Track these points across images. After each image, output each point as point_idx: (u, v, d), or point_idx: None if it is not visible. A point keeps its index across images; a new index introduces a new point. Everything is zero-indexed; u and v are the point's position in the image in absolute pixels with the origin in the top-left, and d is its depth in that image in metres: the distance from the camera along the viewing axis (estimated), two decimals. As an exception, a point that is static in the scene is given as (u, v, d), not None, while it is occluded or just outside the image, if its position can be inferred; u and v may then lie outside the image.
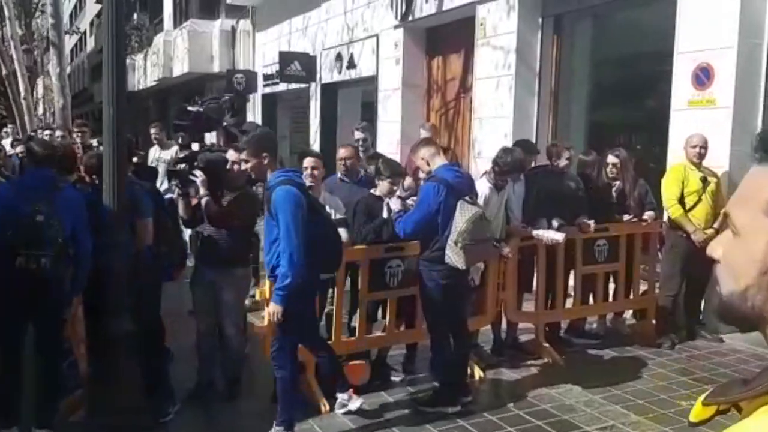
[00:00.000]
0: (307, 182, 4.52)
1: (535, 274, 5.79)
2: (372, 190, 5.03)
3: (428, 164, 4.49)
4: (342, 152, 5.62)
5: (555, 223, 5.57)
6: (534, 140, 7.70)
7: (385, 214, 4.85)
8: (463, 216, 4.28)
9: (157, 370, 4.51)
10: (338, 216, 4.84)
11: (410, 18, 9.80)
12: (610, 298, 6.23)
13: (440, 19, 9.55)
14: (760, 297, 0.86)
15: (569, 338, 6.11)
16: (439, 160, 4.52)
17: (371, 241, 4.86)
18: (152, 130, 8.71)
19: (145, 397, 4.33)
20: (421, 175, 4.90)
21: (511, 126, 8.07)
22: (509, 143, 6.34)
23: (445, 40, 9.90)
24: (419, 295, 4.72)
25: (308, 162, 4.82)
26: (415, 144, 4.80)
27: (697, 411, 0.93)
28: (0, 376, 4.02)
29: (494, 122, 8.33)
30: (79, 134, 8.34)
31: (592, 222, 5.66)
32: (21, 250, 3.85)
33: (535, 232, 5.48)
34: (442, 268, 4.39)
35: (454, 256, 4.32)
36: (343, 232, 4.73)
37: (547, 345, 5.65)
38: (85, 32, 40.56)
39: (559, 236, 5.45)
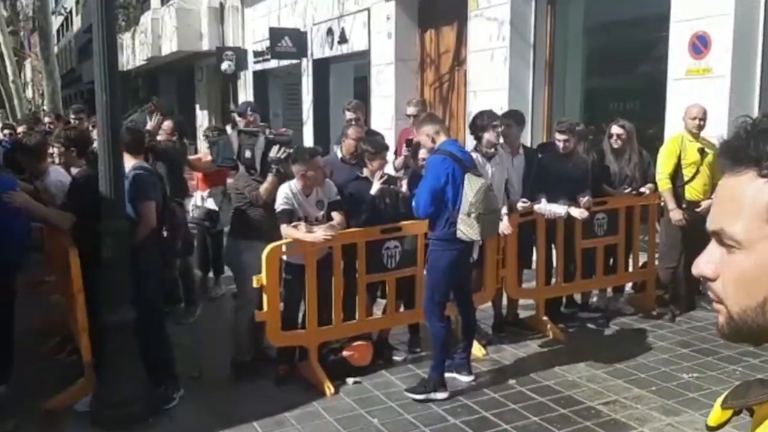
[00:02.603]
0: (303, 189, 4.62)
1: (534, 250, 5.77)
2: (360, 172, 5.01)
3: (433, 141, 4.47)
4: (352, 133, 5.49)
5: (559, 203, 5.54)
6: (530, 112, 7.66)
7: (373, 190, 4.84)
8: (472, 188, 4.29)
9: (159, 357, 4.50)
10: (331, 199, 4.79)
11: (402, -10, 9.67)
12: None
13: (432, -9, 9.43)
14: None
15: (570, 313, 6.12)
16: (443, 137, 4.50)
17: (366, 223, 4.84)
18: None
19: (148, 385, 4.34)
20: (423, 153, 4.85)
21: (507, 98, 8.01)
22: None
23: (438, 12, 9.78)
24: (426, 274, 4.66)
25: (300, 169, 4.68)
26: (419, 120, 4.73)
27: (716, 415, 0.91)
28: None
29: (489, 95, 8.25)
30: (77, 121, 8.22)
31: (587, 197, 5.61)
32: None
33: (536, 207, 5.46)
34: (455, 246, 4.38)
35: (467, 229, 4.30)
36: (336, 215, 4.72)
37: (548, 320, 5.66)
38: (71, 11, 39.98)
39: (561, 210, 5.42)
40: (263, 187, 4.80)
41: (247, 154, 5.03)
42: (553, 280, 5.92)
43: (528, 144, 6.97)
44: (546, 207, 5.46)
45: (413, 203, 4.52)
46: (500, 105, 7.96)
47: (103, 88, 4.02)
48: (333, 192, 4.82)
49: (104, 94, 4.03)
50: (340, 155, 5.52)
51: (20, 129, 8.39)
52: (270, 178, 4.78)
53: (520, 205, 5.44)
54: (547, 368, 4.93)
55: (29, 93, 26.64)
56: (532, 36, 8.07)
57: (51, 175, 5.20)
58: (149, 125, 6.47)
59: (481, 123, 4.96)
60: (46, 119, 10.12)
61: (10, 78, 21.17)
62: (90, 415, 4.25)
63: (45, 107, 20.21)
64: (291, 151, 4.80)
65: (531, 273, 5.87)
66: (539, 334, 5.61)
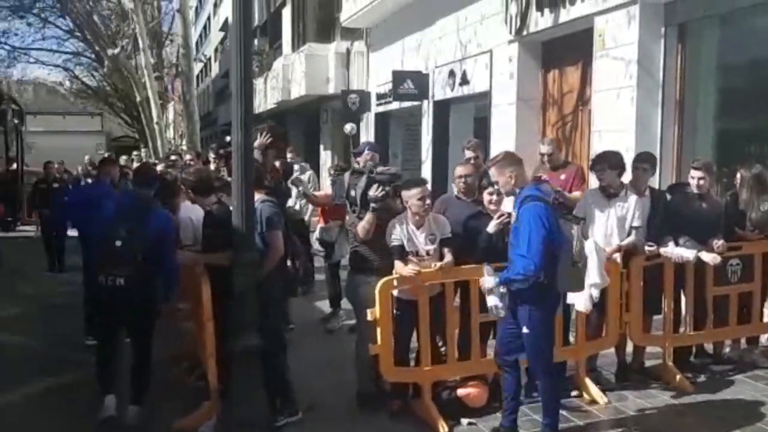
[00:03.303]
0: (422, 213, 4.69)
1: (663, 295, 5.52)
2: (483, 209, 5.02)
3: (514, 182, 4.30)
4: (459, 170, 5.59)
5: (681, 241, 5.31)
6: (658, 152, 7.39)
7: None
8: (572, 234, 4.18)
9: (279, 383, 4.66)
10: (443, 236, 4.82)
11: (525, 32, 9.68)
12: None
13: (556, 32, 9.37)
14: None
15: (700, 363, 5.78)
16: (526, 180, 4.41)
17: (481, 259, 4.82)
18: (288, 155, 9.03)
19: (269, 411, 4.49)
20: (502, 191, 4.69)
21: (634, 138, 7.77)
22: (631, 157, 6.12)
23: (562, 52, 9.70)
24: (531, 333, 4.28)
25: (411, 196, 4.76)
26: (500, 158, 4.48)
27: None
28: (101, 362, 4.95)
29: (615, 135, 8.04)
30: (216, 160, 8.70)
31: (721, 242, 5.34)
32: (102, 270, 4.72)
33: (663, 250, 5.25)
34: (552, 296, 4.23)
35: (571, 280, 4.16)
36: (447, 253, 4.76)
37: (675, 370, 5.38)
38: (210, 58, 42.84)
39: (690, 254, 5.18)
40: (360, 225, 4.92)
41: (352, 192, 5.25)
42: (682, 328, 5.63)
43: (656, 186, 6.72)
44: (674, 250, 5.24)
45: (520, 257, 4.08)
46: (626, 146, 7.74)
47: (238, 128, 4.32)
48: (446, 229, 4.85)
49: (240, 134, 4.31)
50: (455, 192, 5.60)
51: (159, 167, 9.03)
52: (367, 215, 4.89)
53: (646, 248, 5.25)
54: (672, 421, 4.67)
55: (170, 133, 28.66)
56: (661, 74, 7.82)
57: (181, 211, 5.60)
58: (257, 143, 6.84)
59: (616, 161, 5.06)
60: (187, 156, 10.86)
61: (154, 119, 22.90)
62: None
63: (183, 147, 21.64)
64: (389, 189, 4.89)
65: (660, 320, 5.61)
66: (666, 385, 5.33)
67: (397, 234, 4.74)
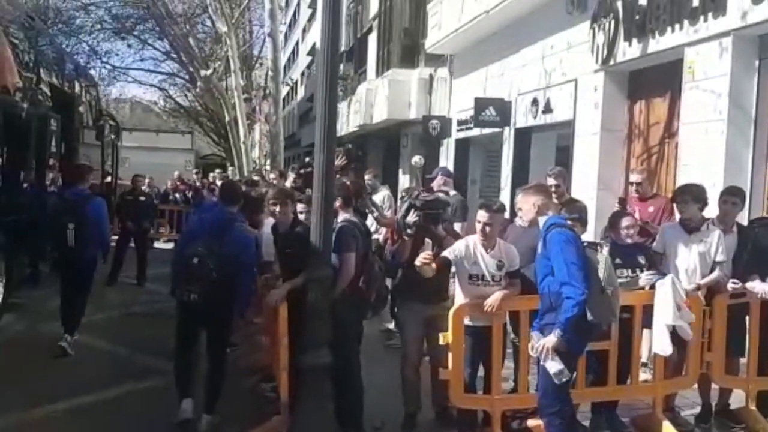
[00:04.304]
0: (481, 238, 4.68)
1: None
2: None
3: (537, 211, 4.29)
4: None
5: None
6: (748, 189, 7.12)
7: None
8: (597, 260, 4.11)
9: (351, 403, 4.71)
10: (512, 267, 4.80)
11: (612, 62, 9.55)
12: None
13: (644, 63, 9.20)
14: None
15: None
16: (552, 211, 4.37)
17: None
18: (366, 176, 9.18)
19: (338, 428, 4.54)
20: (519, 221, 4.81)
21: (722, 173, 7.51)
22: (717, 192, 5.93)
23: (649, 83, 9.51)
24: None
25: (481, 217, 4.78)
26: (531, 188, 4.53)
27: None
28: (179, 363, 5.25)
29: (702, 170, 7.80)
30: (298, 180, 8.94)
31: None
32: (179, 284, 5.03)
33: (748, 284, 5.03)
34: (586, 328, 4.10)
35: (600, 310, 4.04)
36: (513, 283, 4.78)
37: (758, 415, 5.12)
38: (296, 82, 44.05)
39: (776, 291, 4.97)
40: (396, 248, 5.11)
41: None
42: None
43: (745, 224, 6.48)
44: (761, 286, 5.01)
45: (564, 286, 3.97)
46: (713, 181, 7.50)
47: (321, 149, 4.45)
48: (515, 261, 4.81)
49: (322, 154, 4.44)
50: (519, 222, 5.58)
51: (272, 176, 9.31)
52: (402, 240, 5.05)
53: (730, 285, 5.05)
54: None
55: (255, 153, 29.53)
56: (754, 110, 7.55)
57: (265, 228, 5.79)
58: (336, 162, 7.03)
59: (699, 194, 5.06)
60: (272, 175, 11.16)
61: (241, 139, 23.69)
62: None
63: (267, 167, 22.25)
64: (422, 214, 4.97)
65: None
66: (749, 429, 5.10)
67: (455, 250, 4.75)
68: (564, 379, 4.05)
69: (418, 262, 4.61)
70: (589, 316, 3.99)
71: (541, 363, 4.06)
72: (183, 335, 5.30)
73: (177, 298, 5.12)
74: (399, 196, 8.98)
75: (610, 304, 4.15)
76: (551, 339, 3.98)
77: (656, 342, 4.71)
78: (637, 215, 5.88)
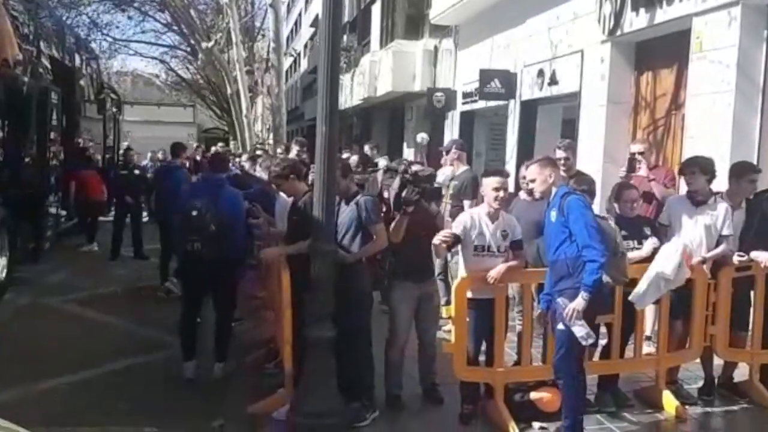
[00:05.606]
0: (494, 205, 4.59)
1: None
2: None
3: (552, 181, 4.28)
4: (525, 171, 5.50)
5: None
6: (755, 161, 7.05)
7: None
8: (611, 226, 4.21)
9: (360, 375, 4.70)
10: (515, 237, 4.75)
11: (618, 32, 9.41)
12: None
13: (651, 33, 9.07)
14: None
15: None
16: (559, 183, 4.37)
17: None
18: (366, 147, 9.13)
19: (344, 400, 4.53)
20: (524, 195, 4.86)
21: (729, 146, 7.43)
22: (726, 164, 5.87)
23: (656, 54, 9.38)
24: (564, 330, 4.20)
25: (496, 182, 4.70)
26: (541, 160, 4.49)
27: None
28: (185, 325, 5.64)
29: (709, 142, 7.72)
30: (301, 154, 8.88)
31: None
32: (184, 238, 5.51)
33: (753, 254, 4.98)
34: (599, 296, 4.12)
35: (614, 273, 4.10)
36: (518, 254, 4.73)
37: (762, 388, 5.13)
38: (299, 54, 43.66)
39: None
40: (391, 228, 4.79)
41: (386, 193, 5.17)
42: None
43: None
44: (766, 255, 4.96)
45: (585, 249, 4.01)
46: (721, 154, 7.42)
47: (323, 120, 4.39)
48: (517, 231, 4.77)
49: (324, 126, 4.39)
50: (524, 196, 5.55)
51: (245, 163, 9.23)
52: (398, 218, 4.78)
53: (736, 258, 5.02)
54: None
55: (258, 126, 29.37)
56: (762, 81, 7.45)
57: (279, 202, 5.77)
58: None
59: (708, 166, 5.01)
60: (278, 150, 11.07)
61: (244, 112, 23.54)
62: (286, 424, 4.54)
63: (270, 141, 22.15)
64: (418, 190, 4.77)
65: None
66: (752, 402, 5.10)
67: (462, 222, 4.67)
68: (590, 341, 4.11)
69: (436, 240, 4.56)
70: (605, 278, 4.06)
71: (569, 326, 4.06)
72: (189, 294, 5.75)
73: (184, 252, 5.59)
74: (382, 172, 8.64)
75: (623, 267, 4.19)
76: (579, 302, 4.01)
77: (641, 288, 4.58)
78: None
